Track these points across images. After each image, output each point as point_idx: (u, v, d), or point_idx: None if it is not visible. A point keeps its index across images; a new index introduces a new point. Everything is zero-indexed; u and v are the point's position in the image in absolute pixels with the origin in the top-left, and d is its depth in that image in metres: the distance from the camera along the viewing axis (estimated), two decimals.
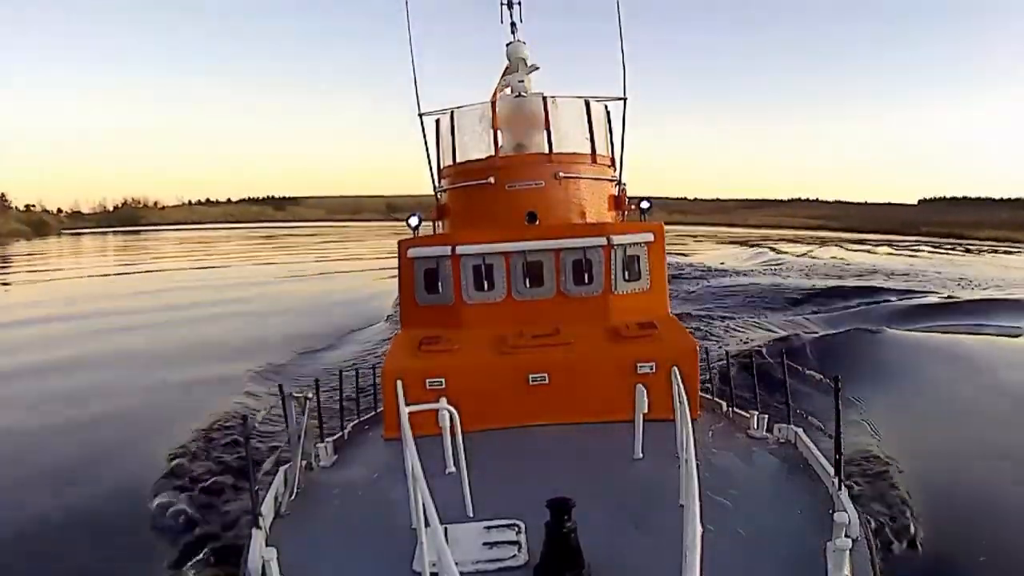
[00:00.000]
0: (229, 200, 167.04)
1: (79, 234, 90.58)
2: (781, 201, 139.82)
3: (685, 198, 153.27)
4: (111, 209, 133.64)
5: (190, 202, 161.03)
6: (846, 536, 3.33)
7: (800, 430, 5.29)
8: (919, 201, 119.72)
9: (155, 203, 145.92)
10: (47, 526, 7.19)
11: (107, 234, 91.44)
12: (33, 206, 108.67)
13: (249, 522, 4.33)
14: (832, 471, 4.30)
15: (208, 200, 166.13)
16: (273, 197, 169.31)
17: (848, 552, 3.27)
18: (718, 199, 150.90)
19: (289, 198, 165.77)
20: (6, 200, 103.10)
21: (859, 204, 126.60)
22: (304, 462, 5.14)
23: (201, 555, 6.47)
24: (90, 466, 8.90)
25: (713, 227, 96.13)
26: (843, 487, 4.12)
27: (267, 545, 3.47)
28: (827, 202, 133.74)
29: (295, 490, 4.82)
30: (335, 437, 5.96)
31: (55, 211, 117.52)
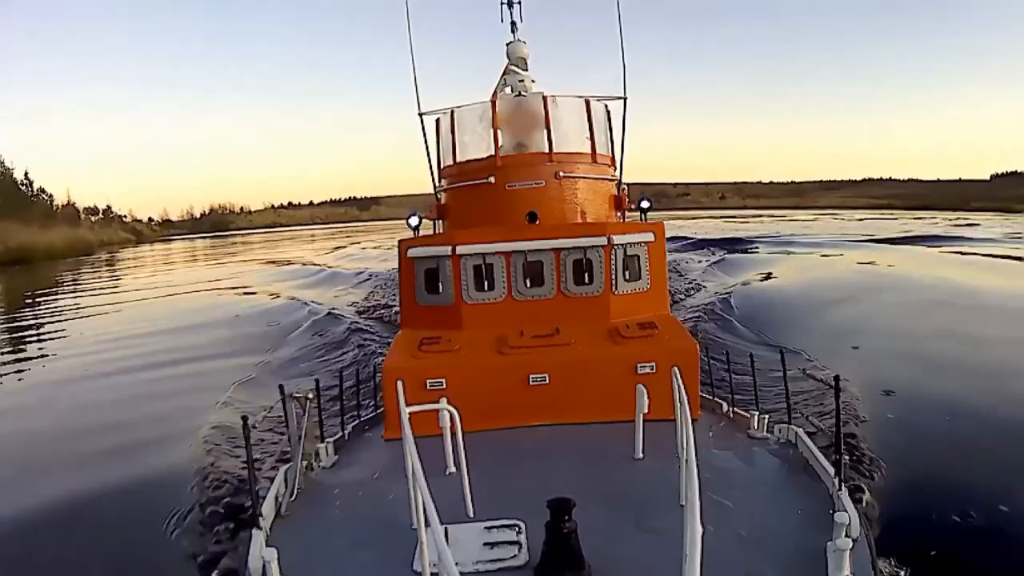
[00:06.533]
0: (312, 203, 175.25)
1: (170, 239, 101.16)
2: (855, 181, 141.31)
3: (760, 181, 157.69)
4: (198, 216, 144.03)
5: (274, 206, 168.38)
6: (846, 536, 3.33)
7: (800, 430, 5.28)
8: (991, 176, 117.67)
9: (241, 208, 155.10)
10: None
11: (196, 239, 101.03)
12: (124, 216, 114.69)
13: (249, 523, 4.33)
14: (832, 471, 4.30)
15: (291, 203, 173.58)
16: (355, 198, 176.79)
17: (848, 552, 3.27)
18: (793, 181, 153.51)
19: (371, 198, 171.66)
20: (111, 212, 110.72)
21: (931, 181, 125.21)
22: (304, 462, 5.14)
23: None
24: None
25: (779, 211, 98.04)
26: (843, 487, 4.11)
27: (267, 545, 3.47)
28: (900, 180, 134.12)
29: (295, 490, 4.82)
30: (335, 437, 5.95)
31: (146, 220, 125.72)
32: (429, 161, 8.22)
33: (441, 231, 7.98)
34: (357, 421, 6.49)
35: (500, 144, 7.45)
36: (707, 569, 2.33)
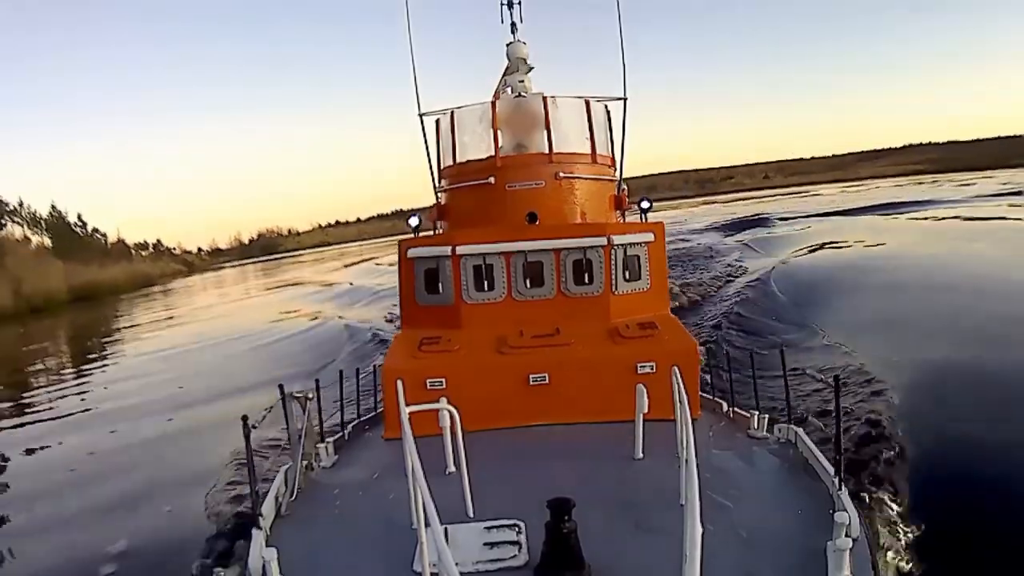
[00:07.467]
0: (359, 219, 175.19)
1: (221, 267, 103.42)
2: (895, 149, 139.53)
3: (802, 158, 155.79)
4: (247, 242, 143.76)
5: (321, 225, 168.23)
6: (846, 536, 3.32)
7: (800, 430, 5.27)
8: None
9: (288, 230, 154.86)
10: None
11: (247, 264, 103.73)
12: (174, 248, 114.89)
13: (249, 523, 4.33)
14: (832, 471, 4.30)
15: (338, 222, 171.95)
16: (401, 211, 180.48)
17: (848, 552, 3.27)
18: (835, 155, 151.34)
19: (418, 209, 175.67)
20: (161, 245, 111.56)
21: (969, 142, 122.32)
22: (304, 462, 5.14)
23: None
24: None
25: (812, 186, 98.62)
26: (843, 487, 4.11)
27: (267, 545, 3.47)
28: (938, 144, 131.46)
29: (295, 490, 4.82)
30: (335, 437, 5.96)
31: (196, 250, 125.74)
32: (429, 162, 8.22)
33: (441, 232, 7.98)
34: (357, 421, 6.50)
35: (500, 145, 7.45)
36: (707, 569, 2.33)
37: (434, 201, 8.16)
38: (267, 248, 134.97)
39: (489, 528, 3.90)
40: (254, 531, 4.03)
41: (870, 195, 58.94)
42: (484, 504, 4.16)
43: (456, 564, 2.28)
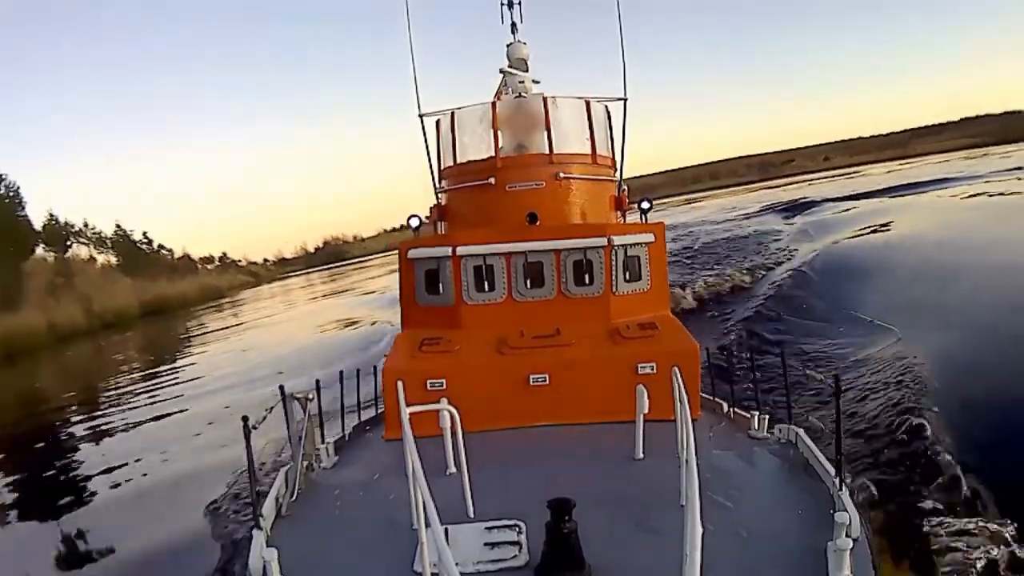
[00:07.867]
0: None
1: (287, 277, 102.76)
2: (952, 123, 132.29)
3: (861, 137, 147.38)
4: (313, 251, 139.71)
5: (386, 230, 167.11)
6: (847, 536, 3.33)
7: (801, 430, 5.27)
8: None
9: (354, 236, 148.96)
10: None
11: (313, 273, 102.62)
12: (239, 261, 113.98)
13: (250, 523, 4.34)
14: (833, 471, 4.30)
15: (403, 226, 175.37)
16: None
17: (848, 552, 3.27)
18: (893, 132, 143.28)
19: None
20: (227, 258, 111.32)
21: None
22: (305, 463, 5.15)
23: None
24: None
25: (863, 167, 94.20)
26: (844, 487, 4.11)
27: (268, 546, 3.47)
28: (993, 115, 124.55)
29: (296, 491, 4.83)
30: (336, 438, 5.97)
31: (262, 261, 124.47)
32: (429, 162, 8.23)
33: (441, 232, 7.99)
34: (357, 421, 6.51)
35: (500, 145, 7.46)
36: (707, 569, 2.33)
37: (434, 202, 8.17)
38: (333, 256, 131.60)
39: (489, 528, 3.90)
40: (254, 532, 4.03)
41: (914, 172, 58.45)
42: (484, 504, 4.16)
43: (456, 564, 2.28)
